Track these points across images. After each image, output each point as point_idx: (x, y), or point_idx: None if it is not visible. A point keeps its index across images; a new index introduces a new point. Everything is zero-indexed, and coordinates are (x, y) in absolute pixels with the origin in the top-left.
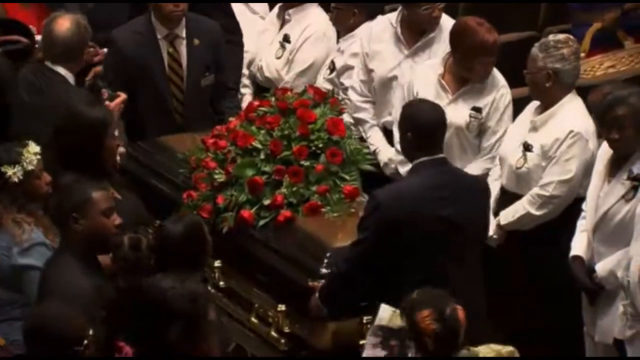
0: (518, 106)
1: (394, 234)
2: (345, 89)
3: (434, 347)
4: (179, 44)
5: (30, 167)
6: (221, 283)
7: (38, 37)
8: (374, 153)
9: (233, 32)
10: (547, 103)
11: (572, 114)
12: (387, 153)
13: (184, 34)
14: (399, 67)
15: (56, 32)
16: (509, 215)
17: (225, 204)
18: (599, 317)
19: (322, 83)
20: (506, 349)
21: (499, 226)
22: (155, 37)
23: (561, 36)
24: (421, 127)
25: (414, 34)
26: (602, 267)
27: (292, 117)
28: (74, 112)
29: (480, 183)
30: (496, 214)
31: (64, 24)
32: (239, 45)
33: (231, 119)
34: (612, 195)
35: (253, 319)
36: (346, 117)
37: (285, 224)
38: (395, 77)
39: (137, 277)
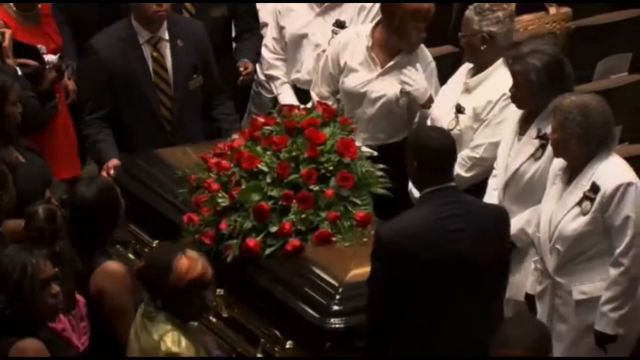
0: None
1: (402, 269)
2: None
3: None
4: (163, 47)
5: None
6: (224, 313)
7: (47, 57)
8: None
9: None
10: (481, 65)
11: (506, 77)
12: None
13: (167, 36)
14: (309, 25)
15: None
16: None
17: (229, 230)
18: (511, 275)
19: None
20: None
21: None
22: (138, 41)
23: None
24: (428, 155)
25: None
26: (512, 225)
27: (300, 137)
28: None
29: (498, 210)
30: None
31: None
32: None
33: (235, 136)
34: (521, 153)
35: (259, 355)
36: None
37: (294, 253)
38: (305, 35)
39: (49, 248)
